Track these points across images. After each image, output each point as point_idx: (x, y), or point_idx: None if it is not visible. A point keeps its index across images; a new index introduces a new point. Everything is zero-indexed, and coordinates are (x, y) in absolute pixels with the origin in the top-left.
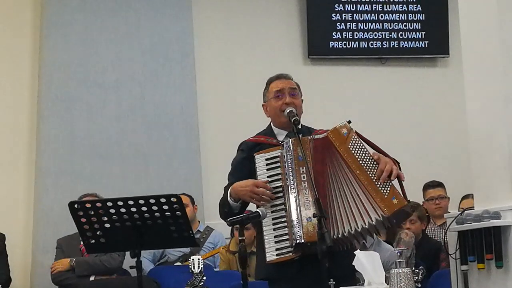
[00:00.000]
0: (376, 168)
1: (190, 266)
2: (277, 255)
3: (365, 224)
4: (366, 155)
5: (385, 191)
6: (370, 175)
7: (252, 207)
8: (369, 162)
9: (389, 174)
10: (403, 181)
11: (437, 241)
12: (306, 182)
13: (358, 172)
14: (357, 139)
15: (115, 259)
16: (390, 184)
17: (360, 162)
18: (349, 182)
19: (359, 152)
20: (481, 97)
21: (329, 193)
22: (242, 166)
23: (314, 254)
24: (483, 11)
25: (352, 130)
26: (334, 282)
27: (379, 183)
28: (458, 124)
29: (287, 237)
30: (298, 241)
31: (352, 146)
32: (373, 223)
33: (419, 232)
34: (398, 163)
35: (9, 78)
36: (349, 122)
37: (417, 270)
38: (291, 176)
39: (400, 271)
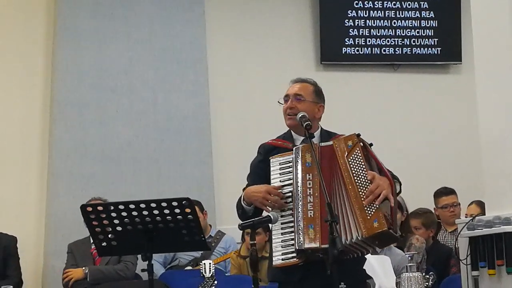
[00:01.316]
0: (367, 187)
1: (201, 271)
2: (282, 259)
3: (347, 240)
4: (362, 172)
5: (369, 212)
6: (360, 193)
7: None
8: (363, 180)
9: (377, 197)
10: (392, 205)
11: (447, 247)
12: (311, 189)
13: (350, 187)
14: (359, 154)
15: (130, 269)
16: (377, 206)
17: (355, 178)
18: (342, 194)
19: (356, 167)
20: (493, 103)
21: (333, 200)
22: (259, 169)
23: (319, 260)
24: (496, 19)
25: (358, 144)
26: (345, 286)
27: (365, 203)
28: (469, 130)
29: (293, 242)
30: (299, 247)
31: (352, 160)
32: (354, 240)
33: (425, 238)
34: (400, 183)
35: (22, 83)
36: (358, 135)
37: (428, 276)
38: (298, 183)
39: (411, 275)
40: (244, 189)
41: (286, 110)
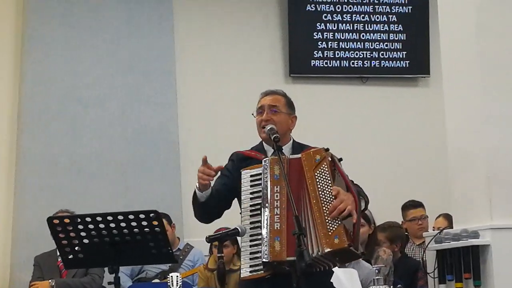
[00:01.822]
0: (331, 203)
1: (168, 283)
2: (250, 272)
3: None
4: (328, 187)
5: (331, 228)
6: (324, 208)
7: (230, 224)
8: (327, 195)
9: (340, 213)
10: (354, 222)
11: (415, 260)
12: (279, 201)
13: (314, 201)
14: (326, 169)
15: (96, 281)
16: (339, 222)
17: (320, 193)
18: (306, 208)
19: (322, 182)
20: (461, 117)
21: (300, 214)
22: (226, 171)
23: (287, 273)
24: (463, 33)
25: (326, 158)
26: None
27: (328, 218)
28: (437, 143)
29: (260, 254)
30: (264, 260)
31: (318, 175)
32: (314, 255)
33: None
34: (366, 200)
35: None
36: (327, 149)
37: None
38: (266, 195)
39: None
40: None
41: (261, 123)
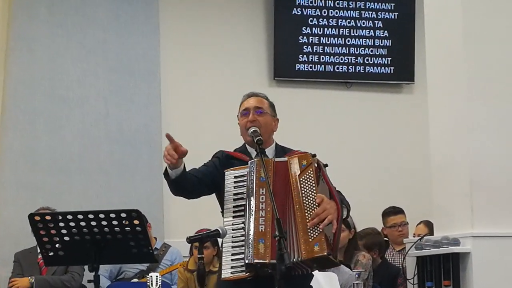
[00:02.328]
0: (314, 209)
1: (148, 283)
2: (231, 273)
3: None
4: (312, 194)
5: (312, 235)
6: (306, 214)
7: (211, 225)
8: (311, 202)
9: (322, 221)
10: (333, 232)
11: (396, 267)
12: (264, 203)
13: (297, 207)
14: (312, 175)
15: (76, 280)
16: (320, 230)
17: (303, 199)
18: (289, 213)
19: (306, 188)
20: (445, 124)
21: (284, 218)
22: (210, 162)
23: (269, 276)
24: (449, 40)
25: (312, 164)
26: None
27: (309, 225)
28: (421, 150)
29: (242, 256)
30: (248, 261)
31: (303, 180)
32: (294, 260)
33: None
34: (348, 209)
35: None
36: (314, 155)
37: None
38: (251, 197)
39: None
40: None
41: (246, 124)
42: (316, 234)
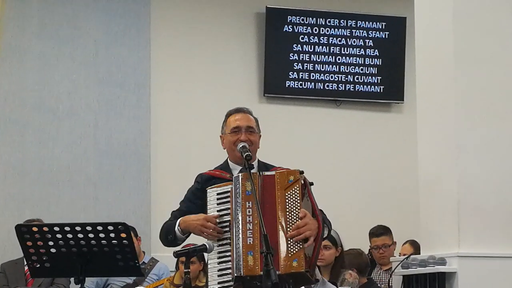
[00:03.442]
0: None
1: None
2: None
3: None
4: (296, 209)
5: (292, 250)
6: (288, 229)
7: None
8: (294, 217)
9: (299, 235)
10: (315, 248)
11: (380, 287)
12: (251, 217)
13: (280, 221)
14: (297, 191)
15: None
16: (300, 246)
17: (287, 214)
18: (270, 228)
19: (291, 204)
20: (433, 144)
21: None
22: (195, 197)
23: None
24: (439, 61)
25: (299, 181)
26: None
27: (290, 241)
28: (409, 169)
29: (229, 271)
30: (236, 275)
31: (289, 196)
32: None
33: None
34: (329, 228)
35: None
36: (302, 172)
37: None
38: (237, 210)
39: None
40: (173, 212)
41: (236, 142)
42: (296, 250)
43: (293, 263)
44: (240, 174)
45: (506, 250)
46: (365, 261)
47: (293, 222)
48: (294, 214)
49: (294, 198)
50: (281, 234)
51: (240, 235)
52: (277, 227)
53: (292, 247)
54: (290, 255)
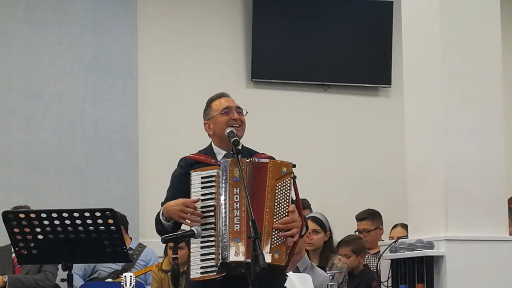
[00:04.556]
0: (283, 217)
1: (122, 283)
2: (201, 273)
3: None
4: (285, 201)
5: (275, 242)
6: (274, 220)
7: (187, 226)
8: (282, 210)
9: (286, 230)
10: (289, 242)
11: (373, 272)
12: (238, 203)
13: (267, 210)
14: (288, 184)
15: (50, 279)
16: (283, 240)
17: (275, 204)
18: (256, 215)
19: (281, 195)
20: (420, 129)
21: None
22: (180, 182)
23: (240, 276)
24: (426, 45)
25: (291, 174)
26: None
27: (275, 232)
28: (397, 153)
29: (213, 256)
30: (223, 261)
31: (279, 187)
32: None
33: (355, 265)
34: (307, 227)
35: None
36: (294, 165)
37: None
38: (224, 196)
39: None
40: (162, 203)
41: (228, 121)
42: (279, 242)
43: (275, 255)
44: (228, 159)
45: (492, 233)
46: (361, 244)
47: (280, 214)
48: (282, 206)
49: (284, 190)
50: (266, 223)
51: (228, 222)
52: (263, 215)
53: (276, 239)
54: (273, 246)
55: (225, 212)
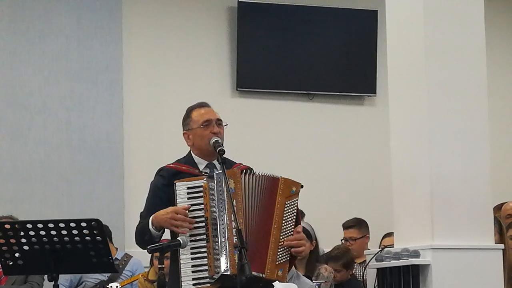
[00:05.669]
0: (288, 235)
1: None
2: (193, 284)
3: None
4: (291, 220)
5: (280, 258)
6: (281, 237)
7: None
8: (289, 228)
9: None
10: (293, 260)
11: (361, 282)
12: (236, 215)
13: (275, 226)
14: (296, 204)
15: None
16: (288, 257)
17: (283, 222)
18: (263, 229)
19: (289, 214)
20: (406, 137)
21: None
22: (162, 192)
23: (232, 285)
24: (411, 53)
25: (298, 195)
26: None
27: (280, 249)
28: (383, 162)
29: (206, 267)
30: (222, 273)
31: (288, 205)
32: (255, 274)
33: (345, 278)
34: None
35: None
36: (302, 186)
37: None
38: (220, 208)
39: None
40: (141, 214)
41: (209, 135)
42: (283, 260)
43: (279, 272)
44: (220, 172)
45: (478, 242)
46: (351, 257)
47: (286, 232)
48: (289, 225)
49: (291, 209)
50: (273, 239)
51: (227, 234)
52: (271, 230)
53: (281, 255)
54: (277, 262)
55: (224, 224)
